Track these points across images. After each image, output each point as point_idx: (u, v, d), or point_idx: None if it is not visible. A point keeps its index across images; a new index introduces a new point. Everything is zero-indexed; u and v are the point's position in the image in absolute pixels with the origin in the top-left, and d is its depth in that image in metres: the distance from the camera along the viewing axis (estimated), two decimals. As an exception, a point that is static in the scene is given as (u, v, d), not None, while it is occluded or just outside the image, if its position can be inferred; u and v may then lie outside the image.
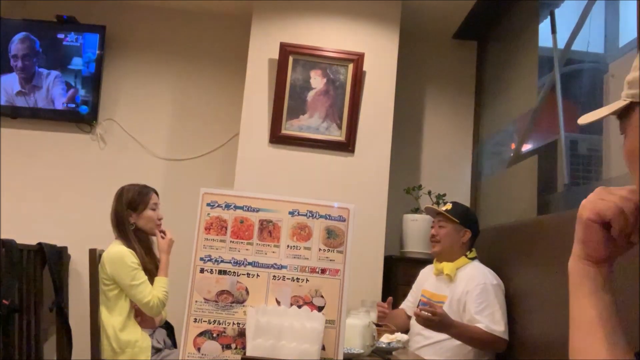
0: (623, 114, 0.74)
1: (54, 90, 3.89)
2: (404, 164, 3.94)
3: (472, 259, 2.69)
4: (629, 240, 0.72)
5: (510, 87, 3.69)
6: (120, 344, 2.52)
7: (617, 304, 0.76)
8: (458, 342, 2.49)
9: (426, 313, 2.32)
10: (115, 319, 2.55)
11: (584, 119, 0.82)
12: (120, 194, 2.74)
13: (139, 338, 2.56)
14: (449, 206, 2.79)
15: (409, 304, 2.93)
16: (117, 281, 2.56)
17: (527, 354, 2.33)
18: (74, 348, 3.25)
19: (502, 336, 2.43)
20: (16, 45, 3.90)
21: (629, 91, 0.71)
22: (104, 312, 2.57)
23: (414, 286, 2.94)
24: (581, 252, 0.76)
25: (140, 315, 2.65)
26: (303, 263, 1.62)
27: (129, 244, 2.64)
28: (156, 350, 2.65)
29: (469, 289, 2.52)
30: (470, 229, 2.73)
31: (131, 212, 2.70)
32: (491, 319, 2.44)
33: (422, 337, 2.60)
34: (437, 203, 3.50)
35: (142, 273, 2.59)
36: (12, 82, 3.88)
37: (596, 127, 2.57)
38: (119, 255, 2.57)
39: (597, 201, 0.74)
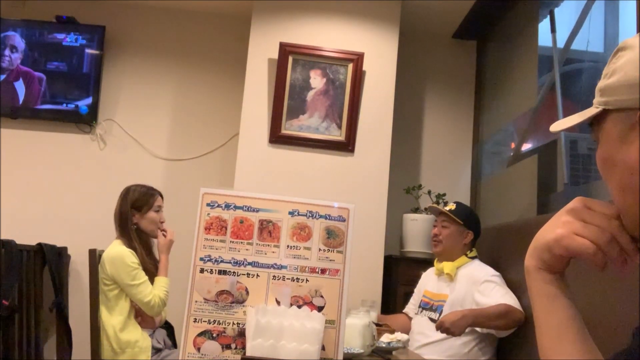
0: (595, 122, 0.74)
1: (53, 90, 3.90)
2: (404, 164, 3.94)
3: (473, 258, 2.71)
4: (622, 267, 0.70)
5: (510, 87, 3.69)
6: (121, 344, 2.52)
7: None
8: (459, 341, 2.49)
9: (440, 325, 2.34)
10: (115, 319, 2.55)
11: (556, 127, 0.81)
12: (126, 193, 2.75)
13: (139, 338, 2.56)
14: (452, 206, 2.79)
15: (411, 307, 2.93)
16: (117, 281, 2.56)
17: (528, 353, 2.33)
18: (74, 348, 3.25)
19: (518, 307, 2.38)
20: (15, 45, 3.90)
21: (601, 99, 0.71)
22: (104, 312, 2.57)
23: (416, 288, 2.95)
24: (542, 266, 0.76)
25: (141, 316, 2.65)
26: (303, 263, 1.62)
27: (130, 244, 2.64)
28: (156, 351, 2.65)
29: (472, 288, 2.53)
30: (472, 231, 2.74)
31: (135, 212, 2.71)
32: (502, 296, 2.43)
33: (422, 335, 2.60)
34: (437, 202, 3.50)
35: (143, 273, 2.59)
36: (12, 82, 3.88)
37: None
38: (119, 255, 2.57)
39: (572, 237, 0.71)
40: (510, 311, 2.37)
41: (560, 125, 0.81)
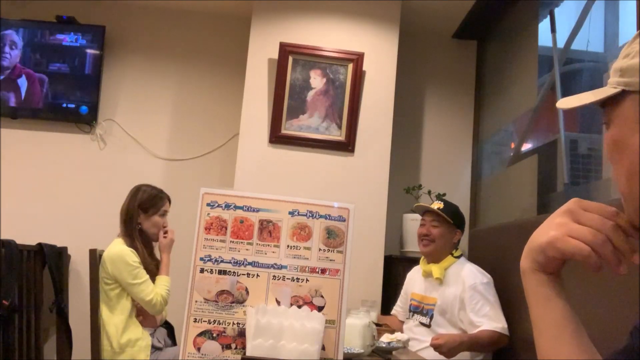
0: (609, 102, 0.71)
1: (54, 90, 3.90)
2: (404, 164, 3.94)
3: (458, 257, 2.69)
4: (617, 268, 0.69)
5: (510, 87, 3.69)
6: (121, 343, 2.52)
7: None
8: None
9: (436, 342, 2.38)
10: (117, 318, 2.55)
11: (564, 104, 0.78)
12: (136, 193, 2.76)
13: (140, 337, 2.57)
14: (440, 204, 2.75)
15: (399, 309, 2.93)
16: (118, 280, 2.56)
17: (527, 352, 2.33)
18: (74, 348, 3.25)
19: (504, 332, 2.45)
20: (15, 41, 3.90)
21: (621, 79, 0.69)
22: (105, 312, 2.57)
23: (403, 290, 2.94)
24: (537, 267, 0.75)
25: (143, 314, 2.65)
26: (303, 263, 1.61)
27: (132, 242, 2.65)
28: (155, 349, 2.65)
29: (461, 294, 2.52)
30: (460, 229, 2.73)
31: (141, 212, 2.71)
32: (490, 318, 2.45)
33: (416, 341, 2.60)
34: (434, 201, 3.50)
35: (144, 271, 2.59)
36: (12, 81, 3.88)
37: (596, 126, 2.57)
38: (120, 255, 2.57)
39: (566, 239, 0.70)
40: (500, 340, 2.45)
41: (569, 102, 0.77)
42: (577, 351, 0.70)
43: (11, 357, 2.92)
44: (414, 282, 2.82)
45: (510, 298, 2.54)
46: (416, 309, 2.71)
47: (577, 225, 0.70)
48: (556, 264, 0.74)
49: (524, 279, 0.77)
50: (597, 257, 0.68)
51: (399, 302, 2.96)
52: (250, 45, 3.54)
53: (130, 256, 2.58)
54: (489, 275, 2.58)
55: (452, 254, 2.69)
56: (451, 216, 2.69)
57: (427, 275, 2.70)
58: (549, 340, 0.72)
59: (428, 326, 2.60)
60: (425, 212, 2.78)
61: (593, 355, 0.70)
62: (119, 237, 2.70)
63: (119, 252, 2.58)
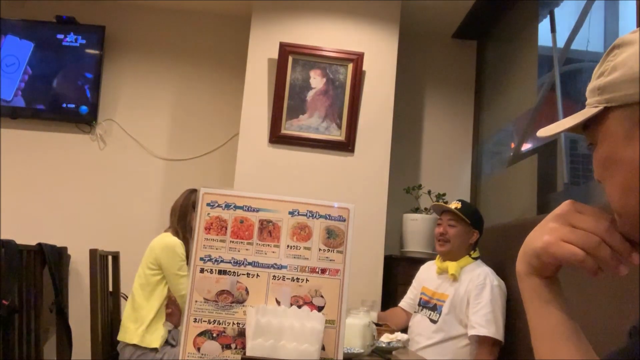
0: (592, 123, 0.71)
1: (53, 90, 3.90)
2: (404, 164, 3.94)
3: (476, 258, 2.68)
4: (617, 269, 0.67)
5: (510, 87, 3.69)
6: (146, 328, 2.61)
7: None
8: (459, 344, 2.50)
9: None
10: (153, 303, 2.65)
11: (545, 132, 0.78)
12: (191, 193, 2.89)
13: (160, 328, 2.66)
14: (458, 205, 2.73)
15: (409, 301, 2.92)
16: (163, 267, 2.66)
17: (529, 354, 2.33)
18: (74, 348, 3.24)
19: (493, 336, 2.43)
20: (18, 43, 3.91)
21: (601, 97, 0.69)
22: (140, 296, 2.67)
23: (414, 283, 2.93)
24: (532, 271, 0.74)
25: (172, 308, 2.74)
26: (303, 263, 1.61)
27: (183, 235, 2.76)
28: (167, 344, 2.71)
29: (471, 289, 2.52)
30: (478, 230, 2.71)
31: (193, 210, 2.79)
32: (484, 320, 2.44)
33: (423, 337, 2.59)
34: (438, 202, 3.50)
35: (187, 267, 2.69)
36: (14, 81, 3.89)
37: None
38: (172, 245, 2.69)
39: (560, 244, 0.68)
40: (493, 344, 2.45)
41: (550, 130, 0.77)
42: (574, 354, 0.69)
43: (11, 357, 2.92)
44: (427, 277, 2.80)
45: (509, 299, 2.53)
46: (426, 304, 2.71)
47: (571, 228, 0.69)
48: (552, 268, 0.73)
49: (520, 283, 0.76)
50: (593, 260, 0.67)
51: (409, 294, 2.94)
52: (250, 45, 3.55)
53: (181, 248, 2.70)
54: (501, 281, 2.56)
55: (469, 255, 2.67)
56: (468, 216, 2.67)
57: (442, 272, 2.70)
58: (547, 343, 0.72)
59: (435, 322, 2.60)
60: (443, 212, 2.77)
61: (591, 357, 0.70)
62: (166, 232, 2.80)
63: (172, 241, 2.70)
